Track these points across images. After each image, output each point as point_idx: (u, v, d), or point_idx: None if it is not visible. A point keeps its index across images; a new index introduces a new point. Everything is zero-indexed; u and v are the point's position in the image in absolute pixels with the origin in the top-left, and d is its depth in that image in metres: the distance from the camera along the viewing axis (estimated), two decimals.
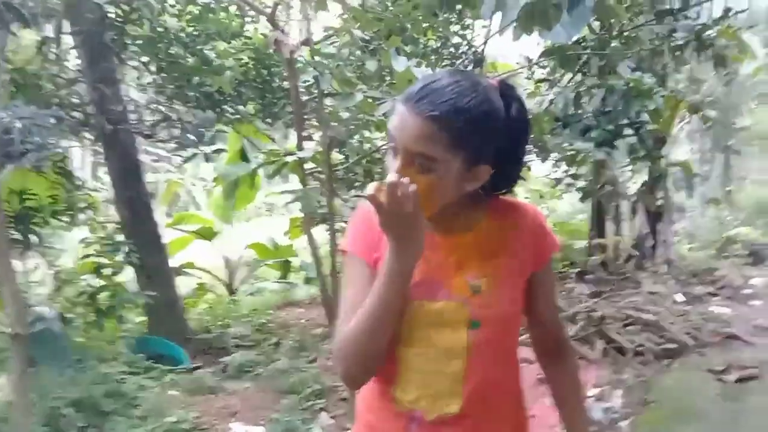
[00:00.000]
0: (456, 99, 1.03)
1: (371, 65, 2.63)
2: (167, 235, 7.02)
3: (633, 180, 7.04)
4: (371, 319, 1.09)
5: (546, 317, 1.31)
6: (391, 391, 1.18)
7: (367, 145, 4.76)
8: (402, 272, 1.06)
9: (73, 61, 4.80)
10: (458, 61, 4.27)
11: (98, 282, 4.73)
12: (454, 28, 4.41)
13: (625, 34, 4.26)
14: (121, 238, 4.82)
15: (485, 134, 1.08)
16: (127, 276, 5.29)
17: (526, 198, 9.28)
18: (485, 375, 1.16)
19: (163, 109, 4.84)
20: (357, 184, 5.02)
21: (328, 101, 3.70)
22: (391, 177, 0.99)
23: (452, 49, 4.47)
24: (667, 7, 4.18)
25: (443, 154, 1.03)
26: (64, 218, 4.80)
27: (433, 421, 1.15)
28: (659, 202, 6.44)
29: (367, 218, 1.15)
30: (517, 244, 1.20)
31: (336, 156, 5.32)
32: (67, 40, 4.83)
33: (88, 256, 4.84)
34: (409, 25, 3.42)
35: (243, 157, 6.08)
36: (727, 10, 3.98)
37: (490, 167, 1.11)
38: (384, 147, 4.90)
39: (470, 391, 1.15)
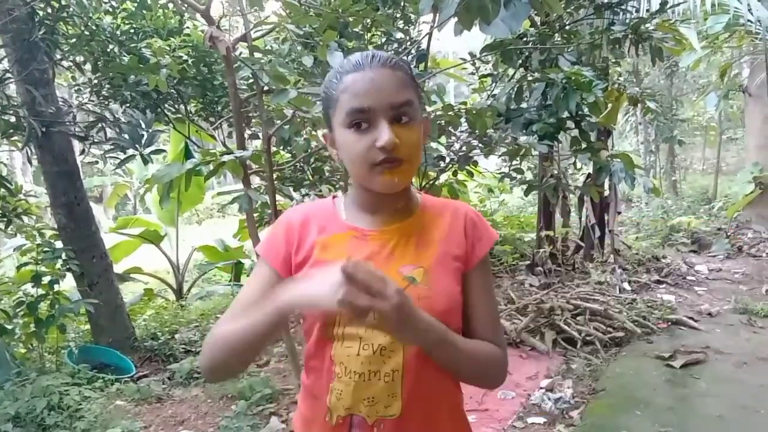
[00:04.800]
0: (390, 54, 1.13)
1: (307, 61, 2.59)
2: (112, 240, 6.84)
3: (581, 172, 7.17)
4: (242, 341, 1.09)
5: (479, 319, 1.19)
6: (326, 400, 1.13)
7: (313, 143, 4.70)
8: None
9: (1, 62, 4.59)
10: (402, 57, 4.25)
11: (37, 291, 4.55)
12: (398, 23, 4.38)
13: (566, 28, 4.32)
14: (59, 244, 4.65)
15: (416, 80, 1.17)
16: (69, 284, 5.12)
17: (476, 192, 9.38)
18: (426, 373, 1.11)
19: (98, 109, 4.67)
20: (305, 182, 4.96)
21: (269, 98, 3.63)
22: (386, 138, 1.03)
23: (396, 45, 4.45)
24: (606, 1, 4.26)
25: (416, 96, 1.11)
26: None
27: (375, 423, 1.10)
28: (605, 194, 6.56)
29: (286, 225, 1.22)
30: (451, 237, 1.18)
31: (283, 155, 5.26)
32: None
33: (25, 264, 4.66)
34: (351, 19, 3.37)
35: (187, 157, 5.96)
36: (663, 3, 4.06)
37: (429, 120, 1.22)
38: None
39: (410, 391, 1.10)
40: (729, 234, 9.44)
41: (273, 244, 1.22)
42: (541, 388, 4.04)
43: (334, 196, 1.28)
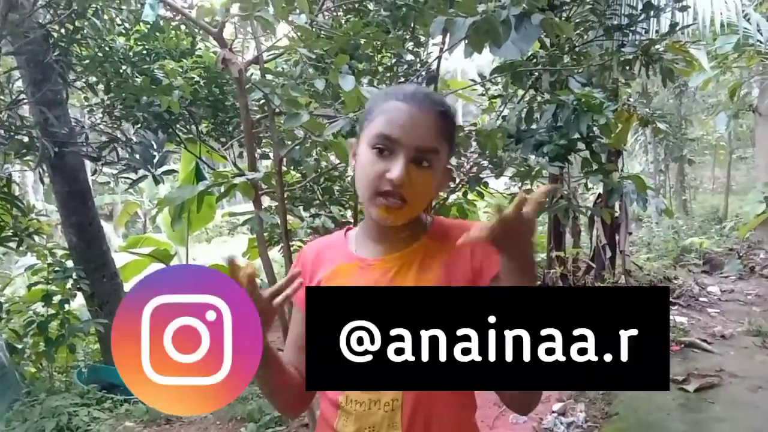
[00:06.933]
0: (443, 99, 1.15)
1: (319, 84, 2.60)
2: (122, 259, 6.85)
3: (591, 192, 7.14)
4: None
5: None
6: (334, 425, 1.16)
7: (323, 164, 4.71)
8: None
9: (15, 83, 4.64)
10: (412, 79, 4.27)
11: (47, 310, 4.57)
12: (408, 45, 4.40)
13: (576, 49, 4.33)
14: (70, 264, 4.67)
15: (456, 133, 1.20)
16: (79, 303, 5.13)
17: (485, 212, 9.35)
18: (426, 402, 1.12)
19: (110, 130, 4.71)
20: (316, 202, 4.96)
21: (281, 120, 3.65)
22: (397, 173, 1.05)
23: (406, 67, 4.47)
24: (616, 23, 4.26)
25: (443, 146, 1.13)
26: (11, 244, 4.63)
27: None
28: (616, 214, 6.52)
29: (301, 262, 1.28)
30: (456, 259, 1.16)
31: (294, 175, 5.27)
32: (9, 61, 4.71)
33: (36, 283, 4.68)
34: (362, 42, 3.39)
35: (198, 177, 5.99)
36: (673, 25, 4.07)
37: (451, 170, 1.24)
38: (341, 165, 4.88)
39: (409, 420, 1.11)
40: (741, 254, 9.36)
41: None
42: (554, 412, 3.99)
43: (347, 229, 1.31)
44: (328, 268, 1.23)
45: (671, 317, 6.00)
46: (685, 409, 3.99)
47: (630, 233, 7.74)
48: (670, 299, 6.57)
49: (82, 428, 3.91)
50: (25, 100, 4.40)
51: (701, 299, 6.99)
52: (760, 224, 9.72)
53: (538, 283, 5.91)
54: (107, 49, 4.44)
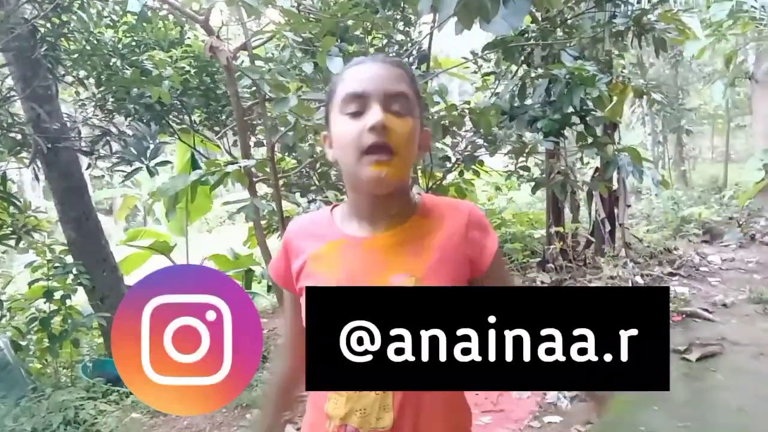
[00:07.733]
0: (398, 59, 1.20)
1: (307, 67, 2.58)
2: (122, 252, 6.85)
3: (589, 166, 7.12)
4: None
5: None
6: (325, 408, 1.14)
7: (318, 149, 4.70)
8: None
9: (5, 80, 4.61)
10: (403, 59, 4.23)
11: (49, 306, 4.57)
12: (398, 25, 4.36)
13: (568, 22, 4.29)
14: (69, 259, 4.66)
15: (419, 89, 1.18)
16: (81, 298, 5.14)
17: (484, 191, 9.33)
18: None
19: (102, 124, 4.69)
20: (312, 188, 4.95)
21: (271, 106, 3.63)
22: (377, 118, 1.03)
23: (397, 47, 4.43)
24: None
25: (413, 94, 1.11)
26: (10, 242, 4.62)
27: None
28: (614, 188, 6.51)
29: (285, 241, 1.26)
30: (450, 242, 1.14)
31: (290, 161, 5.26)
32: None
33: (37, 280, 4.68)
34: (350, 23, 3.36)
35: (194, 168, 5.97)
36: None
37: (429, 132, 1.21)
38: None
39: (401, 402, 1.09)
40: (741, 223, 9.34)
41: (275, 264, 1.27)
42: None
43: (334, 206, 1.27)
44: (314, 246, 1.18)
45: (672, 288, 6.01)
46: (688, 378, 4.00)
47: (629, 206, 7.73)
48: (671, 270, 6.64)
49: (89, 421, 3.92)
50: (16, 97, 4.37)
51: (702, 269, 6.99)
52: (759, 192, 9.71)
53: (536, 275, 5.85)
54: (95, 42, 4.40)
